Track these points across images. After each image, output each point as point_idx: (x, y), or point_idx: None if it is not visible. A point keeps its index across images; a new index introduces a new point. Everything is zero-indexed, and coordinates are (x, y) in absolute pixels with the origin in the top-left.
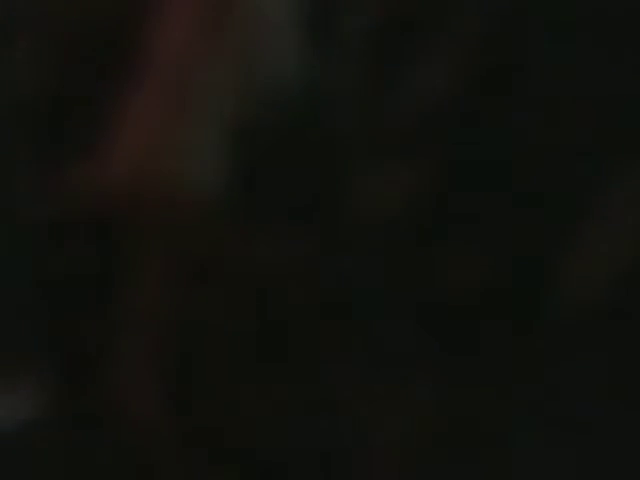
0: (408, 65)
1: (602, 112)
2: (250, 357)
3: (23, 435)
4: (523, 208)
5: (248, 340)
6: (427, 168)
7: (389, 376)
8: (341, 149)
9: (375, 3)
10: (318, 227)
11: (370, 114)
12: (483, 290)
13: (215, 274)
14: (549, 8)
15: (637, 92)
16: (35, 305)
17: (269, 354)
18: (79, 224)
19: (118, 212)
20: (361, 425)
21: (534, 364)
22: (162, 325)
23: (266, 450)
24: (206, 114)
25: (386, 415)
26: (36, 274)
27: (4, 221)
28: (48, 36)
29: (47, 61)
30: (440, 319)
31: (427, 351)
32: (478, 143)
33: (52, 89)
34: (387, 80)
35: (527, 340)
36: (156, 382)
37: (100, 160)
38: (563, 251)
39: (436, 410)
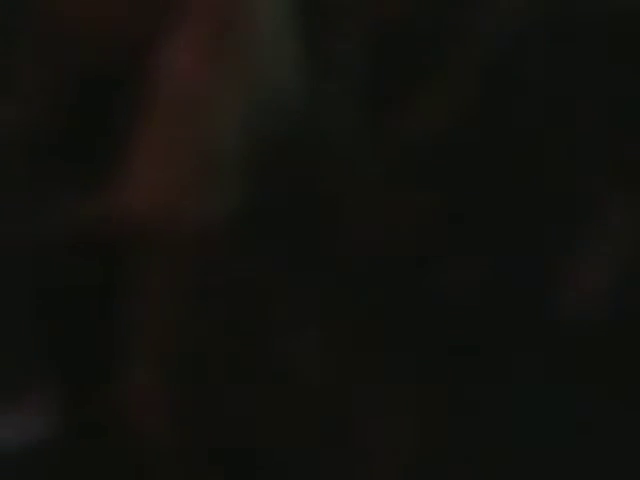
0: (406, 88)
1: (601, 124)
2: (250, 371)
3: (29, 455)
4: (523, 218)
5: (249, 356)
6: (427, 198)
7: (392, 379)
8: (340, 170)
9: (373, 25)
10: (318, 249)
11: (368, 139)
12: (482, 303)
13: (218, 292)
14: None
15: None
16: (39, 322)
17: (270, 368)
18: (86, 245)
19: (126, 237)
20: (362, 426)
21: (534, 368)
22: (167, 338)
23: (265, 451)
24: (215, 139)
25: (387, 416)
26: (40, 291)
27: (11, 240)
28: (58, 65)
29: (57, 90)
30: (440, 326)
31: (422, 353)
32: (478, 170)
33: (62, 118)
34: (383, 103)
35: (527, 344)
36: (162, 395)
37: (110, 189)
38: (563, 258)
39: (435, 413)
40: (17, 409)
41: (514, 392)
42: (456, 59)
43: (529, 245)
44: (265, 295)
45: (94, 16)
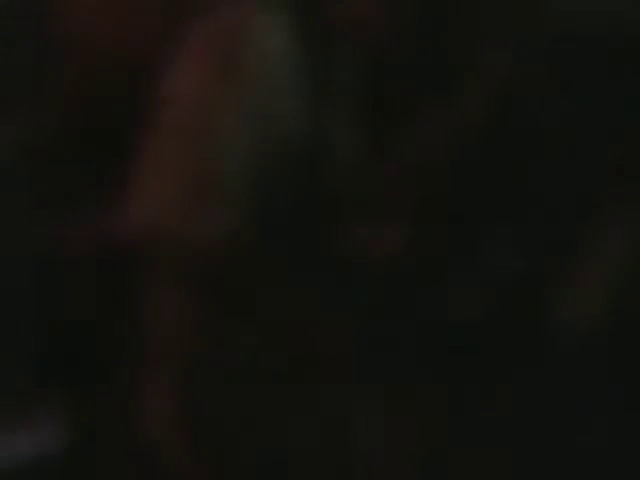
0: (408, 120)
1: (603, 130)
2: (267, 383)
3: (40, 468)
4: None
5: (266, 369)
6: (426, 205)
7: (394, 383)
8: (341, 204)
9: (373, 44)
10: (320, 263)
11: (370, 170)
12: (482, 303)
13: (225, 305)
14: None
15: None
16: (50, 337)
17: (286, 380)
18: (96, 259)
19: (134, 252)
20: (362, 427)
21: (534, 368)
22: (177, 348)
23: (267, 451)
24: (220, 158)
25: (387, 416)
26: (50, 306)
27: (17, 255)
28: (68, 87)
29: (65, 109)
30: (440, 326)
31: (422, 353)
32: (479, 174)
33: (71, 137)
34: (387, 135)
35: (527, 345)
36: (174, 403)
37: (117, 206)
38: (562, 273)
39: (435, 413)
40: (25, 425)
41: (514, 392)
42: (456, 76)
43: (529, 245)
44: (271, 304)
45: (104, 38)
